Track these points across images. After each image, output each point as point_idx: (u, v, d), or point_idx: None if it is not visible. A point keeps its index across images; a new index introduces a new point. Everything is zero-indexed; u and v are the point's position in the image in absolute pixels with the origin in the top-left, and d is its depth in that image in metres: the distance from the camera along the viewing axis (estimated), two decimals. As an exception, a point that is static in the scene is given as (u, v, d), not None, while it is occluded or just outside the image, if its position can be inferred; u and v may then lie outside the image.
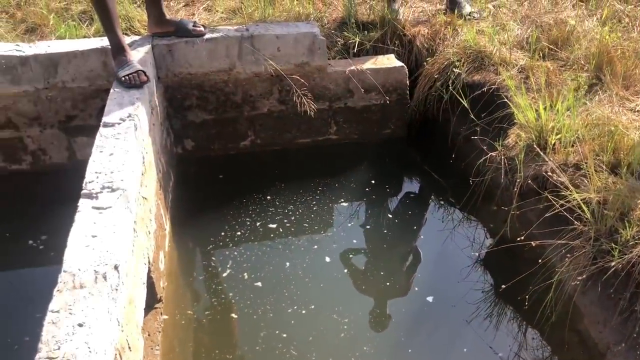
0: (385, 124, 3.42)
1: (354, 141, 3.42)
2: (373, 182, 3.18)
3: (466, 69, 3.08)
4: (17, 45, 2.90)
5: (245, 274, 2.59)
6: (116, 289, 1.72)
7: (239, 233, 2.83)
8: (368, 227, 2.92)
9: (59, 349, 1.45)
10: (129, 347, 1.80)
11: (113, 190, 1.98)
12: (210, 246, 2.77)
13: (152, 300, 2.31)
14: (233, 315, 2.39)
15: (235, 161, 3.32)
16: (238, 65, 3.08)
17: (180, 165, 3.23)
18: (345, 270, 2.65)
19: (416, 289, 2.57)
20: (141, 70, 2.63)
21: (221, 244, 2.78)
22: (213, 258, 2.71)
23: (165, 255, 2.60)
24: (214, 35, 2.99)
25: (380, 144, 3.43)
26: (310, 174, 3.21)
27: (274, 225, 2.87)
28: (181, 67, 3.02)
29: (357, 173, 3.25)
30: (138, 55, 2.77)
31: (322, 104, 3.25)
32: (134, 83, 2.60)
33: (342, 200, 3.07)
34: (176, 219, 2.90)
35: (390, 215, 3.00)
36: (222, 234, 2.83)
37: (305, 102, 2.95)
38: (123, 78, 2.61)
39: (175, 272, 2.66)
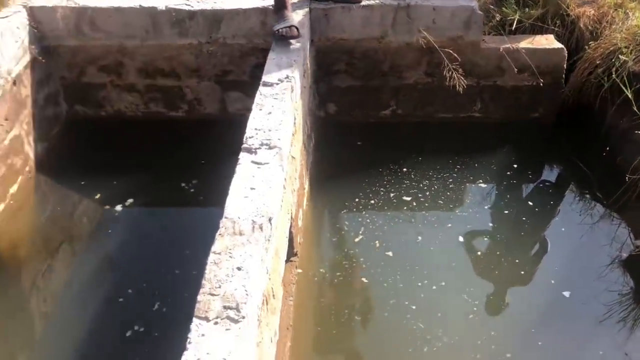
0: (534, 106, 3.28)
1: (499, 121, 3.33)
2: (515, 165, 3.09)
3: (634, 57, 2.87)
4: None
5: (377, 242, 2.65)
6: (268, 240, 1.84)
7: (372, 201, 2.89)
8: (505, 211, 2.85)
9: (219, 287, 1.59)
10: (273, 295, 1.93)
11: (270, 148, 2.09)
12: (344, 210, 2.85)
13: (290, 254, 2.44)
14: (363, 279, 2.47)
15: (375, 129, 3.35)
16: (390, 34, 3.08)
17: (321, 128, 3.32)
18: (478, 253, 2.62)
19: (552, 281, 2.49)
20: (294, 26, 2.70)
21: (354, 209, 2.86)
22: (346, 222, 2.79)
23: (303, 213, 2.72)
24: (371, 2, 3.01)
25: (526, 127, 3.31)
26: (449, 150, 3.17)
27: (408, 198, 2.89)
28: (334, 32, 3.08)
29: (499, 154, 3.17)
30: (296, 18, 2.86)
31: (470, 80, 3.17)
32: (285, 35, 2.68)
33: (480, 180, 3.01)
34: (314, 179, 3.01)
35: (529, 202, 2.90)
36: (357, 200, 2.89)
37: (456, 77, 2.90)
38: (277, 30, 2.71)
39: (310, 230, 2.78)
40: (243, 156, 2.06)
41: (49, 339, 2.37)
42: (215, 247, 1.71)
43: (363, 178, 3.02)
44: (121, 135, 3.36)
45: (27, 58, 3.05)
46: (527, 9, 3.24)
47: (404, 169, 3.06)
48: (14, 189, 2.93)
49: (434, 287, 2.41)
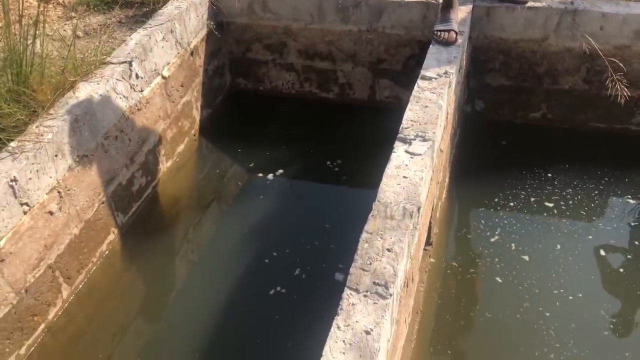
0: (701, 126, 3.08)
1: (659, 137, 3.17)
2: (670, 186, 2.94)
3: None
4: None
5: (513, 244, 2.66)
6: (415, 227, 1.96)
7: (511, 203, 2.89)
8: (654, 232, 2.74)
9: (370, 264, 1.73)
10: (412, 279, 2.05)
11: (425, 140, 2.18)
12: (482, 208, 2.88)
13: (426, 242, 2.53)
14: (497, 279, 2.50)
15: (521, 131, 3.32)
16: (552, 38, 3.02)
17: (465, 124, 3.35)
18: (621, 270, 2.54)
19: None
20: (454, 31, 2.75)
21: (492, 209, 2.87)
22: (482, 220, 2.82)
23: (441, 205, 2.79)
24: (536, 4, 2.97)
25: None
26: (598, 161, 3.07)
27: (550, 205, 2.85)
28: (494, 30, 3.08)
29: (654, 173, 3.03)
30: (460, 15, 2.90)
31: (632, 91, 3.02)
32: (442, 39, 2.74)
33: (629, 196, 2.90)
34: (454, 174, 3.05)
35: (682, 227, 2.76)
36: (495, 199, 2.91)
37: (619, 88, 2.80)
38: (436, 31, 2.77)
39: (446, 223, 2.85)
40: (398, 145, 2.17)
41: (196, 285, 2.66)
42: (368, 227, 1.85)
43: (504, 178, 3.02)
44: (275, 110, 3.62)
45: (204, 32, 3.38)
46: None
47: (548, 175, 3.02)
48: (180, 148, 3.29)
49: (571, 298, 2.39)
